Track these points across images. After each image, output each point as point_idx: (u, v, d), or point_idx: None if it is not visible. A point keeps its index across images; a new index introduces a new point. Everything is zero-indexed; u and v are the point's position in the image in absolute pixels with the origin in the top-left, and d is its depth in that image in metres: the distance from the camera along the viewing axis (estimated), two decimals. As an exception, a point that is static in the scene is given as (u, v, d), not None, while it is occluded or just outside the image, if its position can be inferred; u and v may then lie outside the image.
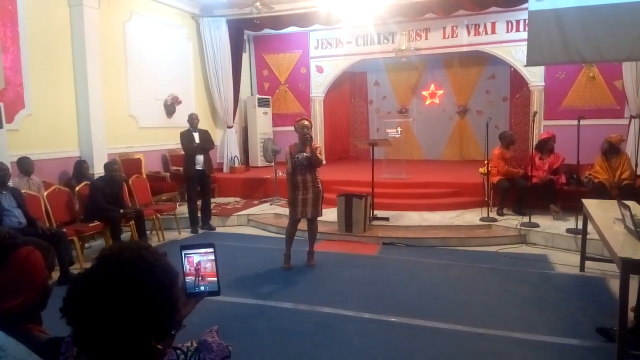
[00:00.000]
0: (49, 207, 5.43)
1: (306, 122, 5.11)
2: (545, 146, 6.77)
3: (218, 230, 7.13)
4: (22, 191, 5.14)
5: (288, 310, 4.04)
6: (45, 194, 5.50)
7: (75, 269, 4.86)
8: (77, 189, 5.88)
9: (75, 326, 0.97)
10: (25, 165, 5.58)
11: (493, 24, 9.16)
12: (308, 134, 5.00)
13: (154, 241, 6.35)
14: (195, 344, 1.01)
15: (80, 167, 6.38)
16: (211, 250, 1.18)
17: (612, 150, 6.34)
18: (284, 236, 6.63)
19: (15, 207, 4.84)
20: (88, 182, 5.97)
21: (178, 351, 0.99)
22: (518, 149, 9.28)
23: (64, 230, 5.16)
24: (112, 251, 1.01)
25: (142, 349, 0.96)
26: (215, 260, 1.18)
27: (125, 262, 0.96)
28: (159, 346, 0.99)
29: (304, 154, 4.99)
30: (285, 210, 7.47)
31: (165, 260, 1.04)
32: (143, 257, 0.98)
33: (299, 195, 5.04)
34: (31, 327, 1.42)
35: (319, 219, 5.31)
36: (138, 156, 7.76)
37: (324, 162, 5.18)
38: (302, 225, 5.32)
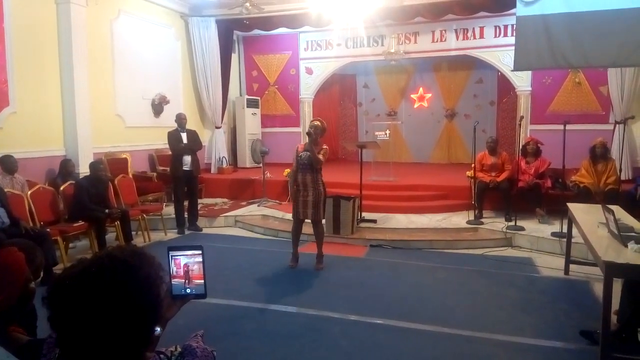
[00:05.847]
0: (32, 206, 5.34)
1: (317, 123, 5.10)
2: (525, 150, 6.82)
3: (205, 231, 7.07)
4: (5, 190, 5.05)
5: (275, 312, 4.02)
6: (29, 193, 5.41)
7: (59, 270, 4.78)
8: (61, 188, 5.80)
9: (59, 332, 0.95)
10: (8, 164, 5.49)
11: (481, 29, 9.24)
12: (310, 129, 4.98)
13: (140, 242, 6.27)
14: (179, 349, 1.00)
15: (66, 166, 6.31)
16: (199, 252, 1.16)
17: (604, 155, 6.41)
18: (271, 237, 6.69)
19: (-2, 207, 4.75)
20: (73, 182, 5.90)
21: (162, 355, 0.97)
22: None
23: (48, 230, 5.08)
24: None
25: (125, 352, 0.94)
26: (203, 262, 1.16)
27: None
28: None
29: (308, 153, 4.94)
30: (273, 212, 7.52)
31: (146, 272, 0.97)
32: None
33: (300, 196, 5.01)
34: (11, 329, 1.39)
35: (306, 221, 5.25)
36: (124, 156, 7.68)
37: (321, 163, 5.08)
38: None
